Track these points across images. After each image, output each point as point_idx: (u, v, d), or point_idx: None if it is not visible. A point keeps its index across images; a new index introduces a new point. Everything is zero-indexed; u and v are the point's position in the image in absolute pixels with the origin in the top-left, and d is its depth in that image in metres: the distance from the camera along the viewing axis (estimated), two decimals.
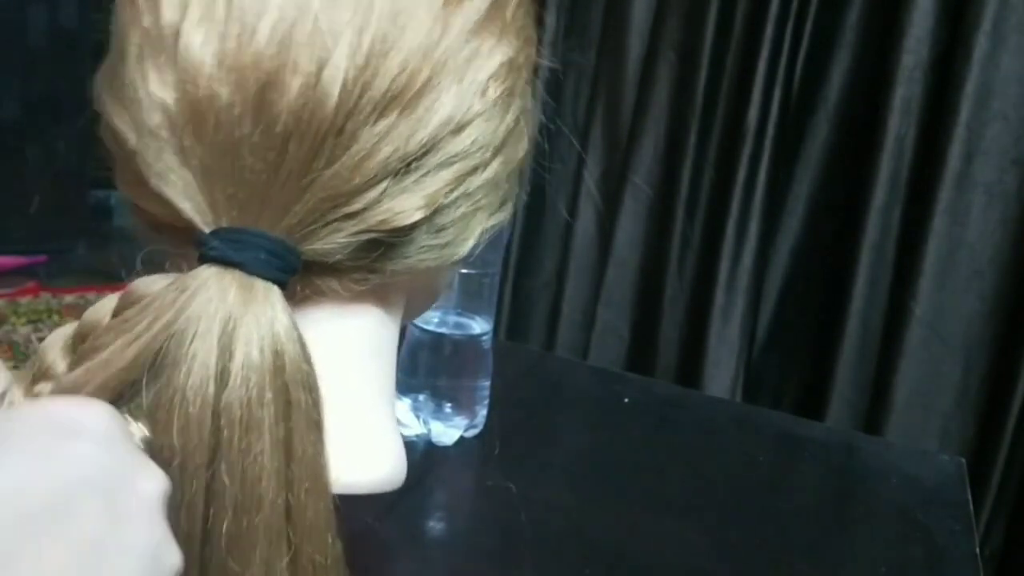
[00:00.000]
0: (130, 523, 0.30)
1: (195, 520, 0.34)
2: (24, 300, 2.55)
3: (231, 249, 0.36)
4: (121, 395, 0.35)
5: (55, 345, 0.37)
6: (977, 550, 0.80)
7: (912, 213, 1.40)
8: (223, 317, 0.35)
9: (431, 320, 0.85)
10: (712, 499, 0.85)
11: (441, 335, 0.84)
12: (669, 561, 0.75)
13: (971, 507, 0.88)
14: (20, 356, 2.27)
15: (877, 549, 0.80)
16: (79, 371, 0.35)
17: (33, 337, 2.37)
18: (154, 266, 0.38)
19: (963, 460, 0.97)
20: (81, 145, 2.67)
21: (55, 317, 2.47)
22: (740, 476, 0.90)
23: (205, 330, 0.34)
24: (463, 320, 0.86)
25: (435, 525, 0.77)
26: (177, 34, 0.35)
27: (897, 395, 1.40)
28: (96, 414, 0.32)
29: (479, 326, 0.86)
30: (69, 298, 2.56)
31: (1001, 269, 1.37)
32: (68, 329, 0.37)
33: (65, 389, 0.35)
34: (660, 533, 0.78)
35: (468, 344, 0.86)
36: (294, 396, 0.36)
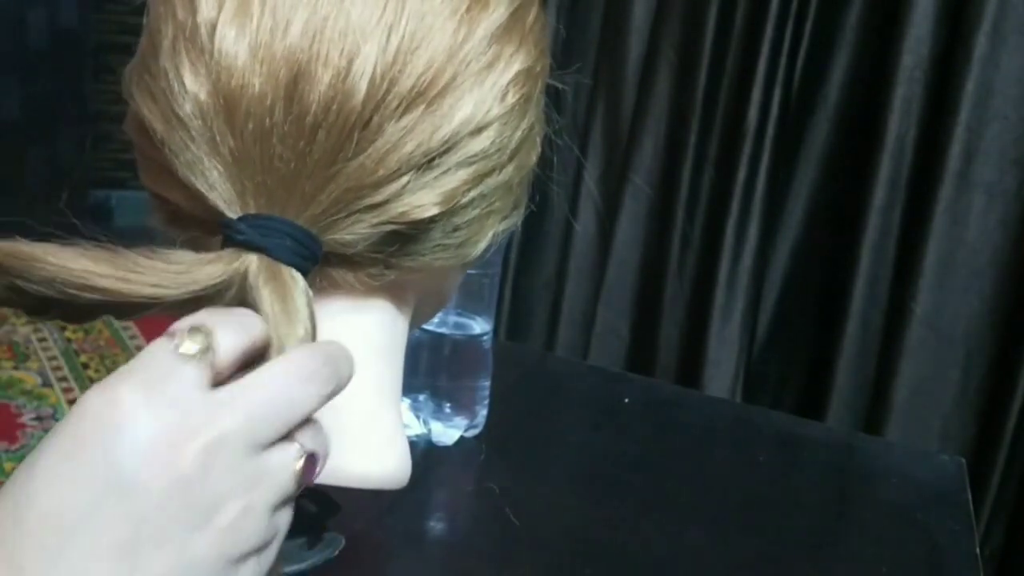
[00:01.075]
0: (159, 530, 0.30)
1: None
2: None
3: (258, 234, 0.36)
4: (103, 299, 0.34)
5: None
6: (977, 550, 0.80)
7: (912, 213, 1.40)
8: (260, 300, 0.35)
9: (431, 320, 0.85)
10: (712, 499, 0.85)
11: (441, 335, 0.84)
12: (669, 561, 0.75)
13: (971, 507, 0.88)
14: (20, 356, 2.27)
15: (877, 549, 0.80)
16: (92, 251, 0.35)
17: (33, 337, 2.37)
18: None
19: (963, 460, 0.97)
20: (81, 145, 2.67)
21: None
22: (740, 476, 0.90)
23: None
24: (463, 320, 0.86)
25: (435, 525, 0.77)
26: (213, 28, 0.36)
27: (897, 395, 1.40)
28: (136, 419, 0.30)
29: (479, 326, 0.86)
30: None
31: (1001, 269, 1.37)
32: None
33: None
34: (660, 533, 0.78)
35: (468, 344, 0.86)
36: None
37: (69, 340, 2.37)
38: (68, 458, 0.29)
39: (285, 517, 0.34)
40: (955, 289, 1.38)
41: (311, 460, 0.34)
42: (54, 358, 2.28)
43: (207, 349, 0.31)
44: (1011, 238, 1.36)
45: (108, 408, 0.30)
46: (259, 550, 0.33)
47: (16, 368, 2.22)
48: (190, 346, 0.31)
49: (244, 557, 0.32)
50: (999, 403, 1.37)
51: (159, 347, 0.31)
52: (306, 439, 0.34)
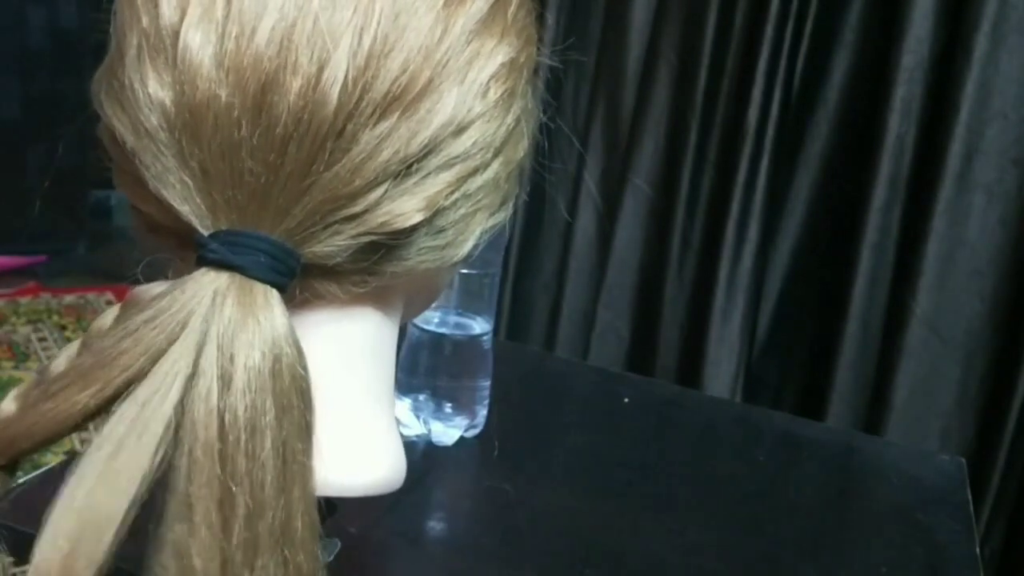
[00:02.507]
0: None
1: (211, 526, 0.34)
2: (24, 300, 2.55)
3: (231, 252, 0.35)
4: (118, 396, 0.34)
5: (63, 354, 0.37)
6: (977, 550, 0.80)
7: (912, 213, 1.40)
8: (223, 321, 0.34)
9: (431, 320, 0.85)
10: (712, 499, 0.85)
11: (441, 335, 0.84)
12: (669, 561, 0.75)
13: (971, 507, 0.87)
14: (20, 356, 2.27)
15: (877, 549, 0.80)
16: (75, 368, 0.35)
17: (33, 337, 2.37)
18: (156, 271, 0.37)
19: (963, 460, 0.97)
20: (81, 145, 2.67)
21: (55, 317, 2.47)
22: (740, 476, 0.90)
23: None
24: (463, 320, 0.86)
25: (435, 525, 0.77)
26: (176, 35, 0.35)
27: (897, 395, 1.40)
28: None
29: (479, 326, 0.86)
30: (69, 298, 2.56)
31: (1001, 269, 1.37)
32: (77, 343, 0.37)
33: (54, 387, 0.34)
34: (660, 533, 0.78)
35: (468, 344, 0.86)
36: (288, 401, 0.35)
37: (68, 340, 2.37)
38: None
39: None
40: (955, 289, 1.38)
41: None
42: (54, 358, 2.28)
43: None
44: (1011, 238, 1.36)
45: None
46: None
47: (16, 368, 2.22)
48: None
49: None
50: (999, 403, 1.37)
51: None
52: None
